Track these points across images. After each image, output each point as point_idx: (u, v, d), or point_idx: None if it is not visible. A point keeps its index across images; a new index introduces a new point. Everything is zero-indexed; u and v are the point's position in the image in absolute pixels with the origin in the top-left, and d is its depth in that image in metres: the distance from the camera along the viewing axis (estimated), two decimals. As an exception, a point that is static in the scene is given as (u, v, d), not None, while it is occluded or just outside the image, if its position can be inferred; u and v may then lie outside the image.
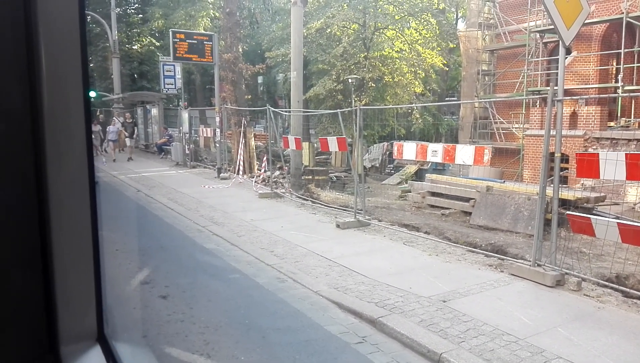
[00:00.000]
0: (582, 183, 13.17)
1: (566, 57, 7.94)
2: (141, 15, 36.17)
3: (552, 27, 6.61)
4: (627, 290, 5.72)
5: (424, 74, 27.38)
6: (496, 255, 7.28)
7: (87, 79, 1.05)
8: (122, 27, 32.66)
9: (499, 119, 21.91)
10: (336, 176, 21.06)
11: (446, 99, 34.97)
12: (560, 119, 6.27)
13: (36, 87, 0.98)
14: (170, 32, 19.50)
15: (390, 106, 24.32)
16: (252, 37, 35.46)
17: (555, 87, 6.43)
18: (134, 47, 35.29)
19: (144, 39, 35.48)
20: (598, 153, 5.96)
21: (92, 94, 26.53)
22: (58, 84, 1.01)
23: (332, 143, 10.21)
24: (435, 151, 8.23)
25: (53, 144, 1.01)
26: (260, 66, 24.96)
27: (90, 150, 1.08)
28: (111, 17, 27.83)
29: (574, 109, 16.60)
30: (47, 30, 0.98)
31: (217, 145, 18.04)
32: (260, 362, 4.31)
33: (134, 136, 23.50)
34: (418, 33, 27.05)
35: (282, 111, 17.67)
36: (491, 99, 21.81)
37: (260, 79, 39.16)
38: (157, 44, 35.30)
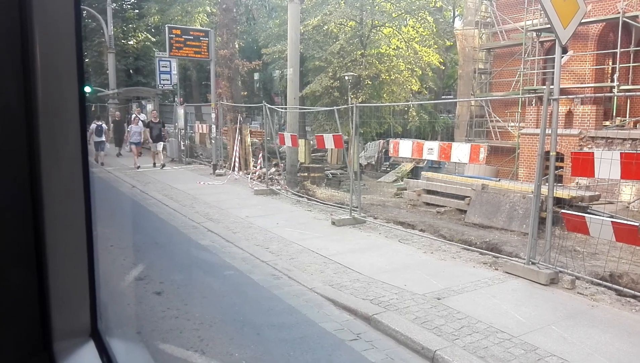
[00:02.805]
0: (577, 182, 13.23)
1: (562, 57, 7.95)
2: (137, 11, 35.99)
3: (549, 26, 6.63)
4: (621, 288, 5.75)
5: (420, 72, 27.39)
6: (491, 252, 7.31)
7: (83, 75, 1.05)
8: (117, 22, 32.48)
9: (495, 117, 21.96)
10: (332, 173, 21.08)
11: (442, 97, 35.02)
12: (555, 118, 6.28)
13: (31, 82, 0.97)
14: (167, 28, 19.41)
15: (387, 104, 24.33)
16: (249, 33, 35.38)
17: (551, 86, 6.44)
18: (129, 42, 35.09)
19: (139, 35, 35.29)
20: (593, 152, 5.99)
21: (87, 89, 26.23)
22: (53, 80, 1.00)
23: (328, 140, 10.21)
24: (431, 149, 8.24)
25: (48, 140, 1.00)
26: (256, 62, 24.96)
27: (84, 146, 1.07)
28: (107, 12, 27.64)
29: (569, 108, 16.66)
30: (43, 26, 0.97)
31: (213, 141, 18.00)
32: (254, 358, 4.31)
33: (166, 139, 19.29)
34: (415, 31, 27.04)
35: (278, 107, 17.66)
36: (487, 98, 21.84)
37: (256, 76, 39.09)
38: (153, 39, 35.13)
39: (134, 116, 20.33)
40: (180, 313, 5.07)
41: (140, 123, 18.59)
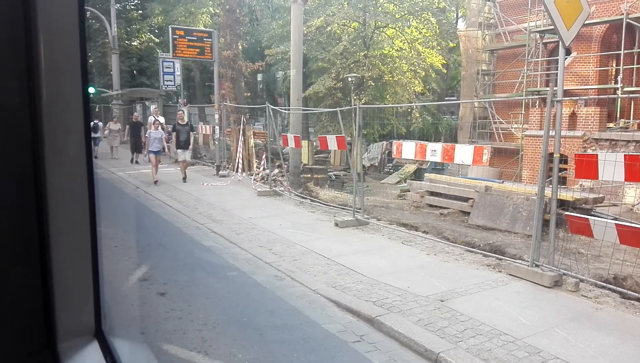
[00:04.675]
0: (581, 184, 13.18)
1: (566, 58, 7.95)
2: (141, 12, 36.13)
3: (552, 27, 6.62)
4: (625, 291, 5.72)
5: (423, 73, 27.38)
6: (494, 255, 7.29)
7: (86, 75, 1.05)
8: (121, 23, 32.58)
9: (498, 119, 21.92)
10: (335, 175, 21.10)
11: (446, 98, 34.95)
12: (559, 119, 6.27)
13: (35, 83, 0.98)
14: (170, 29, 19.46)
15: (390, 105, 24.31)
16: (252, 34, 35.45)
17: (555, 88, 6.42)
18: (133, 43, 35.21)
19: (143, 35, 35.41)
20: (597, 154, 5.97)
21: (91, 90, 26.39)
22: (57, 80, 1.00)
23: (332, 142, 10.20)
24: (435, 151, 8.22)
25: (51, 140, 1.00)
26: (259, 63, 24.93)
27: (89, 146, 1.07)
28: (111, 13, 27.77)
29: (573, 110, 16.61)
30: (47, 26, 0.97)
31: (216, 142, 18.02)
32: (257, 359, 4.31)
33: (191, 144, 15.57)
34: (418, 32, 27.04)
35: (281, 109, 17.65)
36: (490, 99, 21.81)
37: (259, 77, 39.16)
38: (157, 40, 35.24)
39: (152, 118, 17.56)
40: (183, 314, 5.07)
41: (160, 128, 15.12)
